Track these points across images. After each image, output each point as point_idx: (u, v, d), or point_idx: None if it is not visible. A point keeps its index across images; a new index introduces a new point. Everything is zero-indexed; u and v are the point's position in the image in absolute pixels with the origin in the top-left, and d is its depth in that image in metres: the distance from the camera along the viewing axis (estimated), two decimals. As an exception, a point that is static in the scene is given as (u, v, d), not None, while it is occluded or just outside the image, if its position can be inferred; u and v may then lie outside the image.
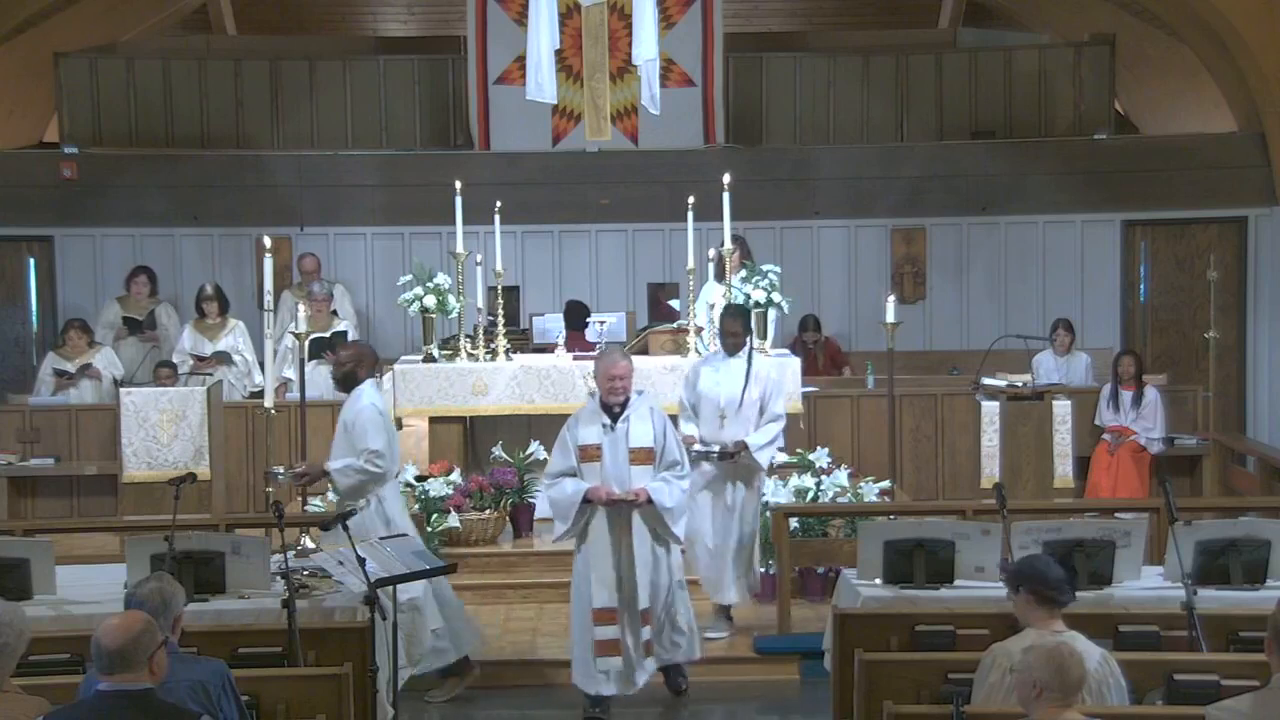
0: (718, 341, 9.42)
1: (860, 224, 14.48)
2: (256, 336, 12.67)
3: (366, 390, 8.12)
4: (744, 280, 10.88)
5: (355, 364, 8.22)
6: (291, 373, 12.42)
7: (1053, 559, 6.09)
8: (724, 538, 9.03)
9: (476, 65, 14.44)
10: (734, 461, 8.95)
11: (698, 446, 8.82)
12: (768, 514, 9.81)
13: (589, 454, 7.93)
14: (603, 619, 7.93)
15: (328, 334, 12.82)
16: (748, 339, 9.20)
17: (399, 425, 10.88)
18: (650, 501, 7.88)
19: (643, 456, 7.91)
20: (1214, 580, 7.18)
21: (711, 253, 11.60)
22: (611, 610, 7.93)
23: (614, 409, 7.95)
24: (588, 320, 11.96)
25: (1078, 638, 5.54)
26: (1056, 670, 4.83)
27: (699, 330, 10.77)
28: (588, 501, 7.88)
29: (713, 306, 11.06)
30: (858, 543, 7.61)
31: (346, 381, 8.22)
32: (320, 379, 12.74)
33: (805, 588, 9.84)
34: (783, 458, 11.16)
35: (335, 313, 13.16)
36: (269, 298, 8.99)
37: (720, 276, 11.12)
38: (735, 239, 10.86)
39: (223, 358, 12.82)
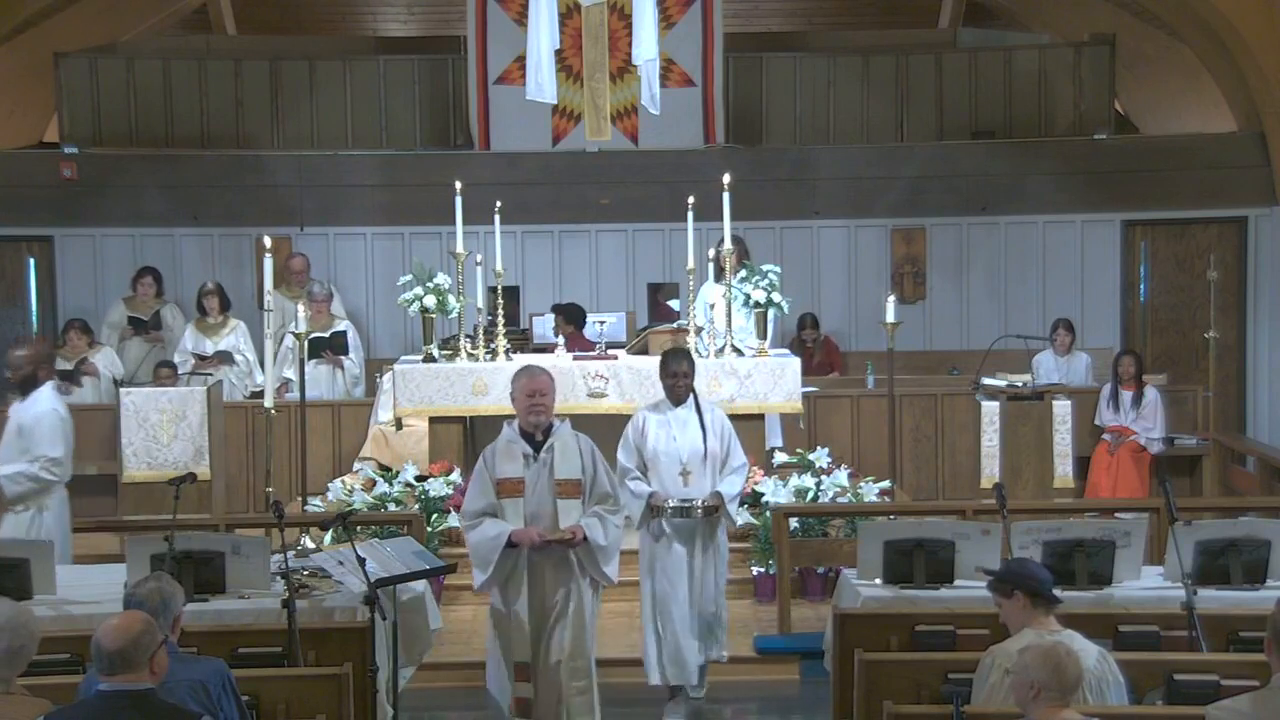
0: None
1: (860, 224, 14.48)
2: (257, 337, 12.67)
3: (46, 393, 7.82)
4: (742, 280, 10.88)
5: (34, 366, 7.91)
6: (291, 373, 12.42)
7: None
8: (700, 605, 8.11)
9: (476, 65, 14.44)
10: (716, 516, 8.13)
11: (673, 503, 7.98)
12: (767, 513, 9.82)
13: (509, 488, 7.16)
14: (521, 675, 7.23)
15: (327, 334, 12.84)
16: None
17: (398, 425, 10.90)
18: (585, 540, 7.12)
19: (570, 489, 7.16)
20: (1214, 580, 7.18)
21: (710, 253, 11.60)
22: (527, 665, 7.23)
23: (535, 437, 7.22)
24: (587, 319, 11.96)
25: (1075, 636, 5.54)
26: (1054, 670, 4.82)
27: (698, 330, 10.77)
28: (513, 545, 7.10)
29: (712, 306, 11.06)
30: (858, 543, 7.60)
31: (25, 385, 7.91)
32: (320, 379, 12.76)
33: (805, 588, 9.84)
34: (783, 457, 11.18)
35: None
36: (269, 298, 8.99)
37: (719, 277, 11.11)
38: (734, 239, 10.85)
39: (224, 357, 12.82)
